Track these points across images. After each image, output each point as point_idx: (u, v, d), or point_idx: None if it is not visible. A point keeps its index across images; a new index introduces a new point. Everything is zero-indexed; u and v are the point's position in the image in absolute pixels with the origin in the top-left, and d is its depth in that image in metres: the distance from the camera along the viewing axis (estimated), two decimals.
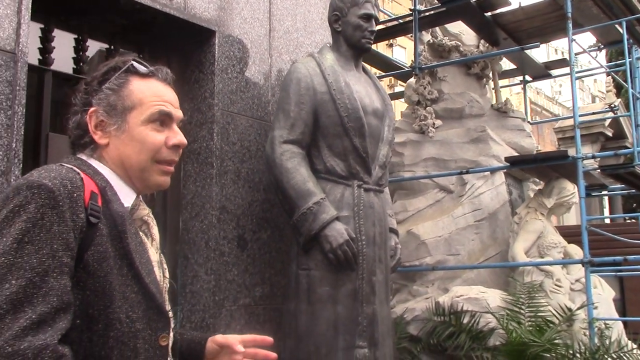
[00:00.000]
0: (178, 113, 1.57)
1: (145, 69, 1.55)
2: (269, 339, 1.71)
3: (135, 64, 1.54)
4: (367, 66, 4.04)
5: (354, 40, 3.64)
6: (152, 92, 1.52)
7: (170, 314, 1.54)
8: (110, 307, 1.34)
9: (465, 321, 5.26)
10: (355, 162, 3.46)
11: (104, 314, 1.33)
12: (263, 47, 3.96)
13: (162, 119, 1.53)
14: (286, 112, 3.43)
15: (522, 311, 5.27)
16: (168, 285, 1.60)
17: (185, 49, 3.75)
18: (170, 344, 1.53)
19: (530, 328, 5.05)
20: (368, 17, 3.63)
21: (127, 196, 1.50)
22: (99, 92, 1.51)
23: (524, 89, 7.91)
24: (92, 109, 1.50)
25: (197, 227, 3.53)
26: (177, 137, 1.54)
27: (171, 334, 1.53)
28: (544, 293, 5.52)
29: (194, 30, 3.61)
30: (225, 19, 3.76)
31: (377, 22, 3.74)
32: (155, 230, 1.58)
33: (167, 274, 1.60)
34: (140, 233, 1.51)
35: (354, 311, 3.30)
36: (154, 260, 1.51)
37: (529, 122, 7.37)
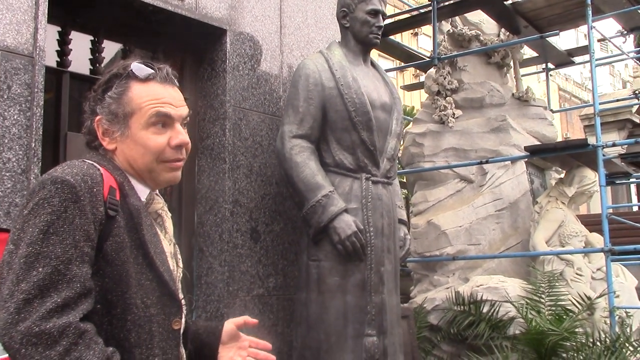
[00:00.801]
0: (180, 111, 1.61)
1: (144, 73, 1.58)
2: (269, 345, 1.80)
3: (134, 69, 1.58)
4: (376, 57, 4.09)
5: (362, 35, 3.70)
6: (150, 95, 1.57)
7: (184, 301, 1.64)
8: (127, 293, 1.44)
9: (485, 310, 5.29)
10: (363, 156, 3.53)
11: (122, 299, 1.44)
12: (274, 44, 4.05)
13: (163, 121, 1.57)
14: (295, 107, 3.52)
15: (542, 300, 5.28)
16: (181, 274, 1.68)
17: (198, 48, 3.86)
18: (182, 329, 1.62)
19: (550, 317, 5.05)
20: (375, 13, 3.68)
21: (142, 191, 1.59)
22: (102, 100, 1.57)
23: (547, 76, 7.83)
24: (97, 117, 1.57)
25: (211, 221, 3.65)
26: (179, 137, 1.59)
27: (183, 319, 1.62)
28: (564, 282, 5.51)
29: (206, 29, 3.71)
30: (236, 17, 3.85)
31: (385, 17, 3.78)
32: (168, 222, 1.67)
33: (180, 264, 1.69)
34: (155, 225, 1.60)
35: (362, 300, 3.38)
36: (167, 251, 1.60)
37: (551, 110, 7.31)
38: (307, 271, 3.47)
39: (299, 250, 3.62)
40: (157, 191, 1.67)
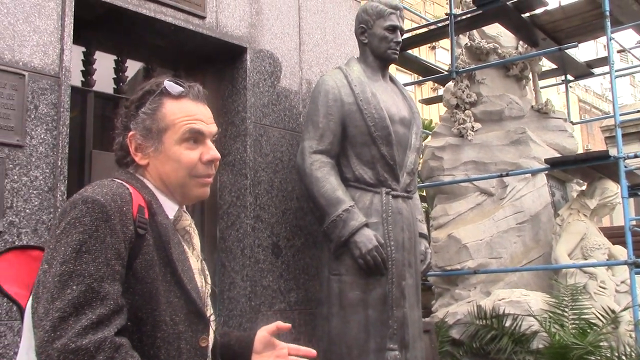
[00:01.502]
0: (211, 128, 1.64)
1: (177, 90, 1.61)
2: (313, 352, 1.78)
3: (167, 86, 1.61)
4: (394, 72, 4.12)
5: (380, 51, 3.73)
6: (183, 112, 1.60)
7: (212, 317, 1.65)
8: (157, 310, 1.46)
9: (507, 324, 5.26)
10: (383, 170, 3.55)
11: (152, 317, 1.45)
12: (293, 61, 4.10)
13: (195, 137, 1.60)
14: (315, 123, 3.55)
15: (565, 314, 5.23)
16: (209, 290, 1.69)
17: (218, 66, 3.92)
18: (210, 346, 1.63)
19: (574, 331, 5.01)
20: (393, 29, 3.71)
21: (170, 209, 1.60)
22: (136, 116, 1.60)
23: (566, 88, 7.80)
24: (130, 133, 1.60)
25: (233, 236, 3.68)
26: (210, 152, 1.62)
27: (211, 336, 1.62)
28: (588, 295, 5.46)
29: (227, 47, 3.77)
30: (256, 35, 3.91)
31: (403, 33, 3.82)
32: (196, 239, 1.69)
33: (208, 280, 1.70)
34: (183, 242, 1.61)
35: (384, 315, 3.39)
36: (194, 268, 1.61)
37: (571, 121, 7.28)
38: (328, 285, 3.49)
39: (320, 264, 3.64)
40: (185, 208, 1.69)
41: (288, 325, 1.75)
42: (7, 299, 1.55)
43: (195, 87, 1.66)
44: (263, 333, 1.77)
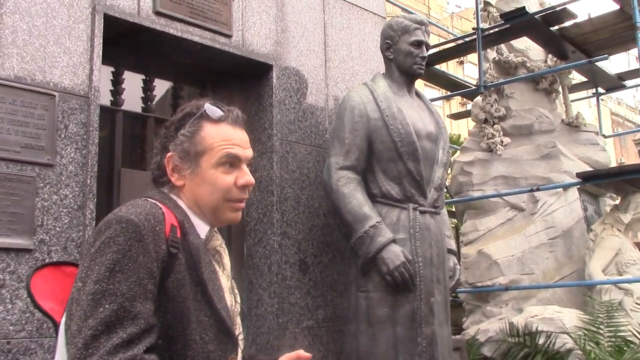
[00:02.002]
0: (247, 153, 1.66)
1: (217, 114, 1.63)
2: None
3: (207, 109, 1.63)
4: (422, 87, 4.10)
5: (406, 66, 3.72)
6: (221, 137, 1.61)
7: (241, 336, 1.67)
8: (188, 329, 1.47)
9: (540, 342, 5.16)
10: (410, 186, 3.52)
11: (182, 335, 1.46)
12: (319, 78, 4.11)
13: (231, 161, 1.61)
14: (341, 139, 3.55)
15: (600, 331, 5.12)
16: (239, 309, 1.70)
17: (245, 83, 3.95)
18: None
19: (610, 349, 4.89)
20: (419, 44, 3.70)
21: (201, 229, 1.62)
22: (175, 138, 1.62)
23: (597, 101, 7.69)
24: (169, 154, 1.62)
25: (260, 253, 3.69)
26: (245, 177, 1.63)
27: (239, 356, 1.63)
28: (623, 312, 5.33)
29: (253, 65, 3.80)
30: (282, 52, 3.94)
31: (428, 48, 3.80)
32: (226, 259, 1.71)
33: (238, 299, 1.71)
34: (213, 262, 1.63)
35: (413, 332, 3.34)
36: (225, 287, 1.62)
37: (603, 135, 7.16)
38: (356, 302, 3.46)
39: (348, 281, 3.62)
40: (216, 229, 1.71)
41: (308, 355, 1.74)
42: (43, 314, 1.59)
43: (235, 111, 1.68)
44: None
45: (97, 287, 1.37)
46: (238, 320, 1.68)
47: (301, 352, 1.75)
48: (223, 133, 1.62)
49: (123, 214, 1.46)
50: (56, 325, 1.54)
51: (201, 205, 1.62)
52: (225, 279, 1.65)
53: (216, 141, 1.60)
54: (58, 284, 1.60)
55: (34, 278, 1.58)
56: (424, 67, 3.76)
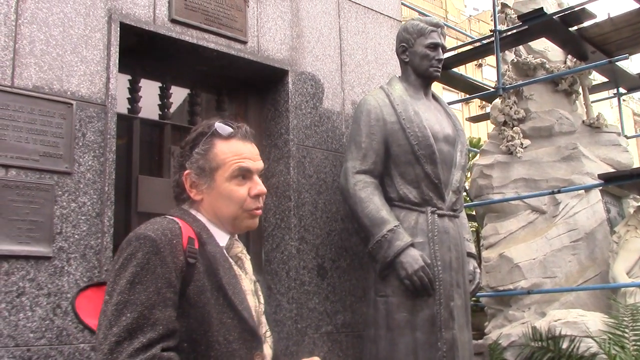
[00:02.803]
0: (257, 165, 1.80)
1: (227, 132, 1.77)
2: None
3: (218, 128, 1.77)
4: (440, 90, 4.08)
5: (422, 69, 3.69)
6: (232, 152, 1.76)
7: (268, 333, 1.82)
8: (210, 332, 1.60)
9: (564, 346, 5.09)
10: (427, 189, 3.49)
11: (205, 338, 1.60)
12: (335, 82, 4.10)
13: (243, 174, 1.76)
14: (358, 143, 3.53)
15: (625, 335, 5.03)
16: (263, 309, 1.83)
17: (261, 89, 3.95)
18: (269, 359, 1.77)
19: (635, 352, 4.81)
20: (435, 46, 3.68)
21: (222, 237, 1.76)
22: (190, 156, 1.77)
23: (619, 101, 7.59)
24: (186, 171, 1.76)
25: (278, 258, 3.68)
26: (258, 187, 1.78)
27: (268, 350, 1.77)
28: None
29: (268, 71, 3.81)
30: (297, 57, 3.94)
31: (445, 50, 3.77)
32: (247, 264, 1.83)
33: (262, 300, 1.84)
34: (235, 267, 1.76)
35: (432, 337, 3.31)
36: (247, 290, 1.75)
37: (625, 135, 7.07)
38: (374, 307, 3.43)
39: (367, 286, 3.59)
40: (237, 236, 1.84)
41: None
42: (88, 330, 1.74)
43: (244, 127, 1.82)
44: None
45: (119, 298, 1.51)
46: (263, 319, 1.82)
47: (317, 359, 1.85)
48: (234, 148, 1.76)
49: (142, 231, 1.60)
50: None
51: (220, 216, 1.75)
52: (248, 282, 1.77)
53: (228, 156, 1.75)
54: (101, 302, 1.71)
55: (78, 299, 1.75)
56: (440, 70, 3.74)
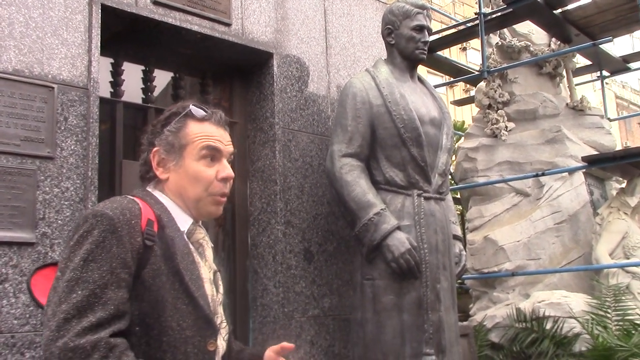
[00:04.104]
0: (228, 148, 1.79)
1: (200, 114, 1.76)
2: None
3: (192, 109, 1.76)
4: (425, 73, 4.06)
5: (408, 52, 3.67)
6: (204, 132, 1.75)
7: (224, 324, 1.77)
8: (163, 317, 1.57)
9: (548, 327, 5.15)
10: (414, 172, 3.48)
11: (158, 322, 1.56)
12: (321, 65, 4.07)
13: (212, 155, 1.74)
14: (344, 126, 3.51)
15: (608, 315, 5.11)
16: (221, 299, 1.79)
17: (245, 72, 3.91)
18: (222, 352, 1.75)
19: (618, 332, 4.88)
20: (420, 29, 3.65)
21: (184, 222, 1.73)
22: (161, 134, 1.75)
23: (602, 84, 7.63)
24: (155, 148, 1.74)
25: (265, 242, 3.66)
26: (226, 170, 1.76)
27: (221, 342, 1.73)
28: (631, 296, 5.33)
29: (253, 54, 3.76)
30: (282, 40, 3.89)
31: (431, 33, 3.75)
32: (208, 252, 1.80)
33: (220, 290, 1.81)
34: (195, 254, 1.72)
35: (419, 319, 3.32)
36: (205, 278, 1.72)
37: (608, 118, 7.11)
38: (361, 290, 3.44)
39: (353, 269, 3.59)
40: (200, 222, 1.81)
41: (291, 345, 1.86)
42: (43, 309, 1.64)
43: (218, 113, 1.81)
44: (269, 353, 1.88)
45: (71, 275, 1.48)
46: (220, 309, 1.77)
47: (285, 344, 1.86)
48: (207, 129, 1.75)
49: (99, 209, 1.57)
50: None
51: (185, 198, 1.73)
52: (206, 270, 1.74)
53: (199, 135, 1.73)
54: None
55: (34, 277, 1.74)
56: (426, 52, 3.72)
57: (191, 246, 1.72)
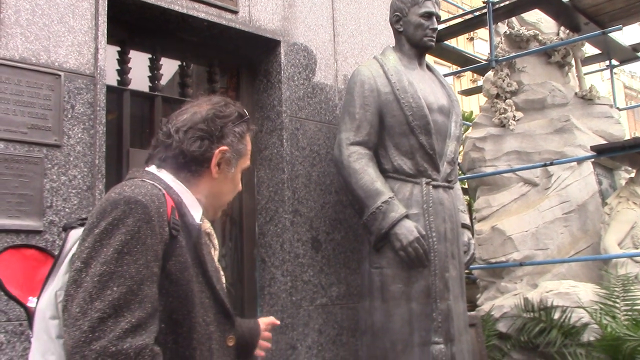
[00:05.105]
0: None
1: (254, 128, 1.77)
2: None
3: (249, 121, 1.74)
4: (432, 63, 4.03)
5: (416, 39, 3.64)
6: (250, 145, 1.74)
7: None
8: (193, 312, 1.46)
9: (556, 317, 5.12)
10: (422, 160, 3.46)
11: (188, 318, 1.45)
12: (328, 53, 4.04)
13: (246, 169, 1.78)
14: (351, 114, 3.49)
15: (616, 305, 5.07)
16: (225, 290, 1.71)
17: (253, 60, 3.89)
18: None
19: (626, 322, 4.84)
20: (429, 15, 3.62)
21: (197, 211, 1.60)
22: (231, 134, 1.65)
23: (611, 73, 7.56)
24: (223, 148, 1.63)
25: (272, 231, 3.65)
26: (240, 185, 1.77)
27: None
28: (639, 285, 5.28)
29: (260, 41, 3.74)
30: (290, 28, 3.87)
31: (439, 20, 3.72)
32: (215, 240, 1.81)
33: (223, 280, 1.74)
34: (210, 246, 1.70)
35: (427, 307, 3.30)
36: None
37: (617, 107, 7.05)
38: (369, 279, 3.42)
39: (361, 258, 3.58)
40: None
41: (277, 322, 2.00)
42: (14, 301, 1.55)
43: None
44: (262, 325, 1.96)
45: (104, 269, 1.32)
46: None
47: (273, 319, 1.96)
48: (250, 142, 1.74)
49: (129, 194, 1.41)
50: (27, 311, 1.50)
51: (216, 197, 1.67)
52: (216, 260, 1.73)
53: (249, 149, 1.73)
54: (18, 267, 1.57)
55: None
56: (434, 39, 3.69)
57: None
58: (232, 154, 1.64)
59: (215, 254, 1.77)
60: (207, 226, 1.76)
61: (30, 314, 1.49)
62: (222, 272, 1.79)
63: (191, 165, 1.59)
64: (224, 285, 1.71)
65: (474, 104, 17.58)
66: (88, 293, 1.30)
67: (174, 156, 1.59)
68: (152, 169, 1.60)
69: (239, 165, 1.68)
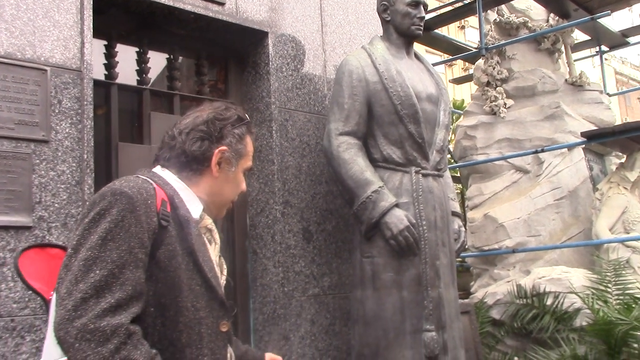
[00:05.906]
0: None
1: (254, 130, 1.89)
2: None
3: (250, 124, 1.87)
4: (423, 52, 4.03)
5: (404, 28, 3.64)
6: (251, 147, 1.86)
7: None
8: (179, 297, 1.58)
9: (548, 303, 5.15)
10: (411, 149, 3.47)
11: (174, 303, 1.57)
12: (316, 43, 4.04)
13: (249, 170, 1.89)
14: (340, 104, 3.49)
15: (608, 289, 5.10)
16: (224, 282, 1.83)
17: (240, 52, 3.88)
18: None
19: (618, 307, 4.88)
20: (416, 4, 3.61)
21: (196, 207, 1.74)
22: (230, 135, 1.78)
23: (601, 59, 7.57)
24: (223, 148, 1.77)
25: (263, 223, 3.66)
26: (244, 184, 1.89)
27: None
28: (631, 270, 5.32)
29: (248, 33, 3.73)
30: (277, 19, 3.86)
31: (426, 8, 3.71)
32: (217, 235, 1.83)
33: (224, 273, 1.85)
34: (205, 238, 1.75)
35: (419, 295, 3.32)
36: (214, 260, 1.74)
37: (607, 93, 7.07)
38: (361, 268, 3.44)
39: (352, 247, 3.59)
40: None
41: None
42: (33, 292, 1.67)
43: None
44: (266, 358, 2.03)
45: (89, 254, 1.45)
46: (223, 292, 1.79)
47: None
48: (251, 144, 1.86)
49: (117, 187, 1.56)
50: (46, 303, 1.61)
51: (217, 196, 1.79)
52: (215, 254, 1.78)
53: (250, 150, 1.84)
54: (43, 265, 1.68)
55: (20, 259, 1.67)
56: (422, 28, 3.68)
57: (200, 229, 1.75)
58: (231, 154, 1.76)
59: (217, 248, 1.81)
60: (208, 222, 1.80)
61: (49, 307, 1.59)
62: (224, 265, 1.85)
63: (192, 164, 1.74)
64: (225, 276, 1.83)
65: (465, 92, 17.59)
66: (74, 276, 1.43)
67: (177, 156, 1.75)
68: (157, 169, 1.76)
69: (240, 165, 1.80)
